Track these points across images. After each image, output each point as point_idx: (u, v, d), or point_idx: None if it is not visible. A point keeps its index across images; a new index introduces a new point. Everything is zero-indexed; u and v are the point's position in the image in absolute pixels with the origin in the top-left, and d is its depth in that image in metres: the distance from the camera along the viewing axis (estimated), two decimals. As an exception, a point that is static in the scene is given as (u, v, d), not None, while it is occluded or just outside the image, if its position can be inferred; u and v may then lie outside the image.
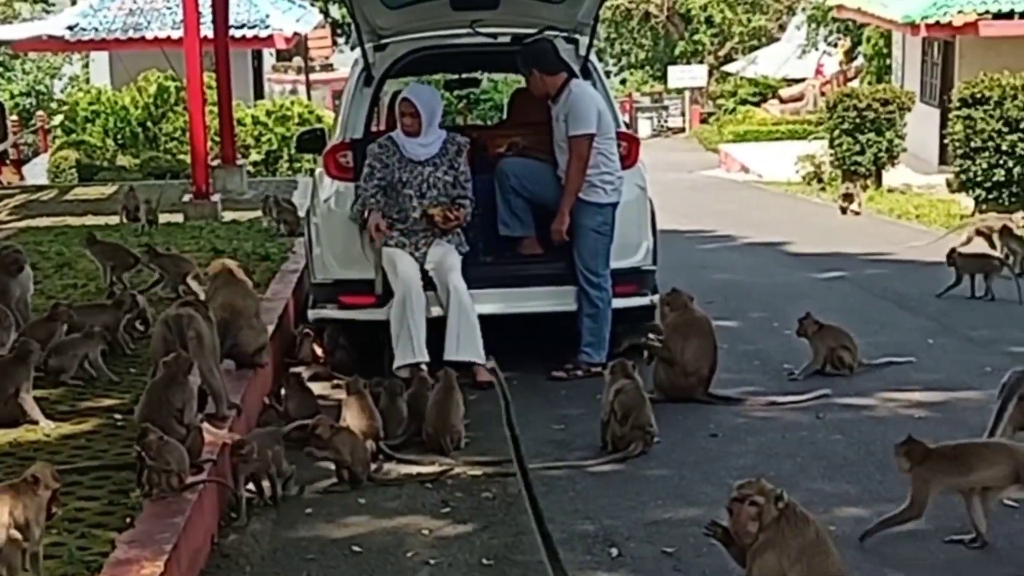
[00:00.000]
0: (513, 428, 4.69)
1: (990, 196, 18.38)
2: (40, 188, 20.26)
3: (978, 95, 18.38)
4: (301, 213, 11.66)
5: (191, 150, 15.54)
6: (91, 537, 4.86)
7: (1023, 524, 5.57)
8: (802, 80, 41.28)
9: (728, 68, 46.18)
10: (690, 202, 21.32)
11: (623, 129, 8.83)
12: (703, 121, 43.59)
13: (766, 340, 9.42)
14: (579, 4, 8.88)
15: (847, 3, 28.55)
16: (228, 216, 14.61)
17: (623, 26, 49.16)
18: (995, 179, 18.25)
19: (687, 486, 6.25)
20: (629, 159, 8.62)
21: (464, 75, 12.93)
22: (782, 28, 46.92)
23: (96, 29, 26.58)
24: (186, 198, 15.01)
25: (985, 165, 18.31)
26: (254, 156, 23.92)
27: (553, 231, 8.41)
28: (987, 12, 23.31)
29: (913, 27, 24.11)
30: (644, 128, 42.64)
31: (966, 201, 19.12)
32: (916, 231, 16.88)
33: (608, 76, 40.34)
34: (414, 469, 6.53)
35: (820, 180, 24.03)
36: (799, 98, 40.02)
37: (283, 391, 7.27)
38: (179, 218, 14.32)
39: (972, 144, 18.41)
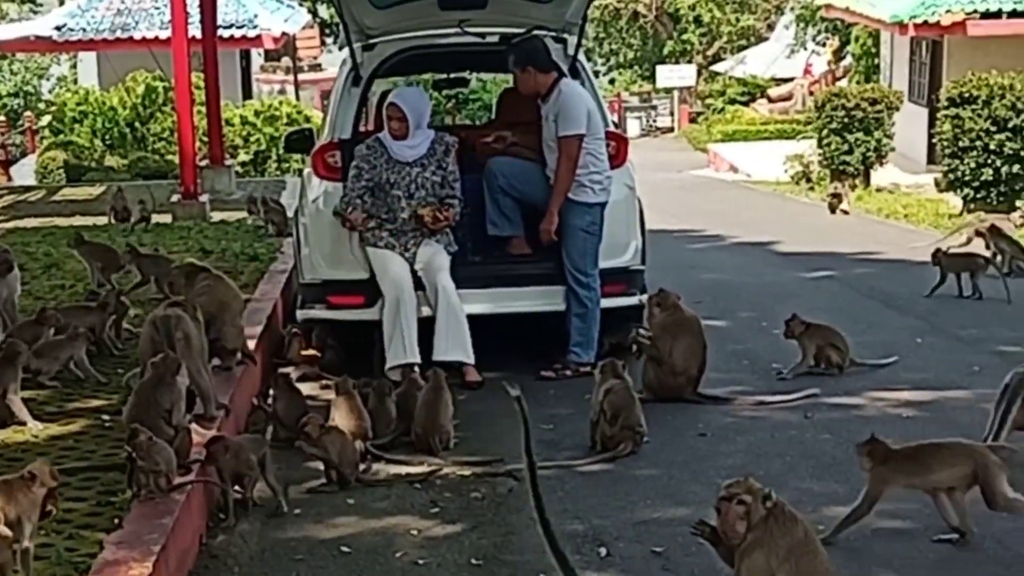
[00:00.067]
0: (531, 455, 4.74)
1: (978, 196, 18.42)
2: (28, 189, 20.23)
3: (966, 94, 18.41)
4: (289, 213, 11.66)
5: (179, 150, 15.52)
6: (79, 538, 4.86)
7: (1010, 523, 5.56)
8: (790, 80, 41.33)
9: (717, 68, 46.22)
10: (679, 202, 21.33)
11: (612, 129, 8.83)
12: (692, 121, 43.63)
13: (755, 340, 9.42)
14: (567, 4, 8.88)
15: (835, 3, 28.57)
16: (216, 216, 14.59)
17: (612, 26, 49.18)
18: (983, 178, 18.28)
19: (676, 486, 6.25)
20: (618, 159, 8.63)
21: (452, 75, 12.92)
22: (770, 28, 46.97)
23: (84, 29, 26.51)
24: (174, 198, 14.99)
25: (973, 164, 18.34)
26: (242, 156, 23.88)
27: (542, 231, 8.40)
28: (975, 11, 23.35)
29: (901, 26, 24.14)
30: (633, 128, 42.65)
31: (954, 200, 19.16)
32: (907, 231, 16.92)
33: (597, 76, 40.43)
34: (403, 469, 6.52)
35: (808, 180, 24.05)
36: (787, 98, 40.07)
37: (272, 392, 7.26)
38: (167, 218, 14.30)
39: (960, 143, 18.44)
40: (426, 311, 8.14)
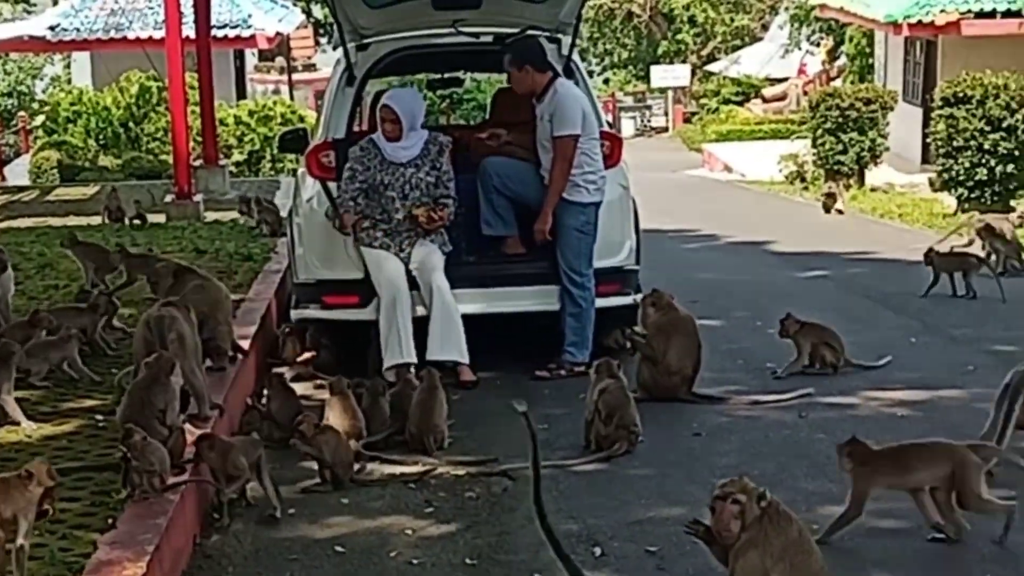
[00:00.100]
0: (537, 471, 4.78)
1: (972, 195, 18.43)
2: (22, 189, 20.22)
3: (960, 94, 18.43)
4: (284, 213, 11.65)
5: (173, 150, 15.53)
6: (73, 538, 4.85)
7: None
8: (785, 79, 41.34)
9: (711, 68, 46.22)
10: (673, 201, 21.34)
11: (606, 129, 8.83)
12: (686, 121, 43.64)
13: (749, 339, 9.43)
14: (561, 3, 8.89)
15: (830, 2, 28.59)
16: (210, 216, 14.59)
17: (606, 26, 49.19)
18: (977, 178, 18.30)
19: (670, 485, 6.25)
20: (612, 159, 8.63)
21: (446, 75, 12.92)
22: (765, 28, 46.97)
23: (77, 29, 26.47)
24: (168, 198, 14.98)
25: (967, 164, 18.36)
26: (236, 156, 23.87)
27: (536, 231, 8.40)
28: (969, 11, 23.36)
29: (895, 26, 24.16)
30: (627, 128, 42.65)
31: (948, 200, 19.17)
32: (901, 231, 16.93)
33: (591, 76, 40.35)
34: (397, 469, 6.52)
35: (803, 179, 24.06)
36: (782, 97, 40.09)
37: (266, 391, 7.25)
38: (161, 218, 14.30)
39: (954, 143, 18.46)
40: (420, 311, 8.14)
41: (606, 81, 50.89)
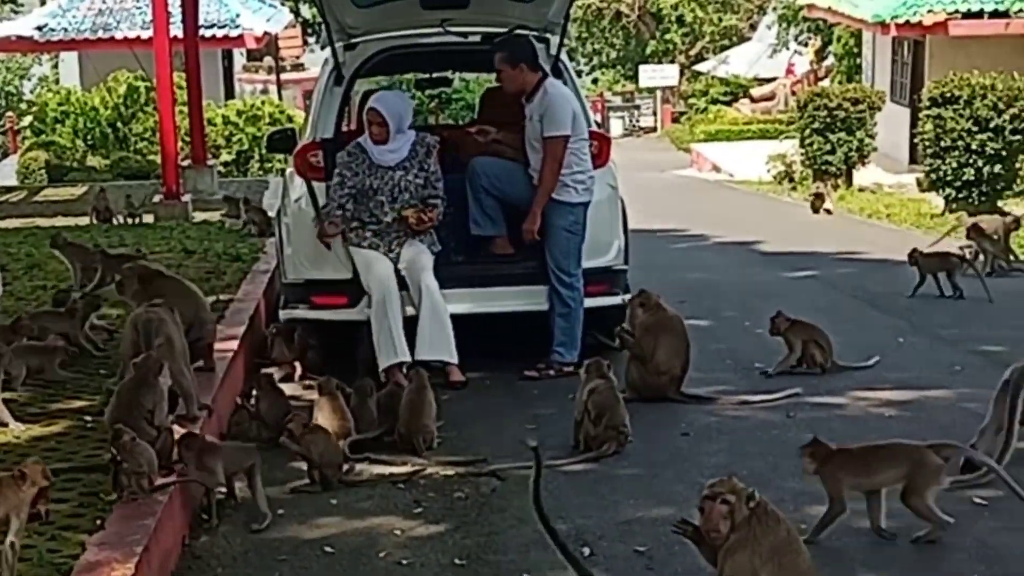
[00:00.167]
0: (539, 498, 4.82)
1: (960, 195, 18.47)
2: (9, 189, 20.19)
3: (948, 94, 18.47)
4: (271, 213, 11.64)
5: (161, 150, 15.52)
6: (61, 539, 4.85)
7: (992, 522, 5.59)
8: (773, 79, 41.41)
9: (699, 67, 46.28)
10: (662, 201, 21.36)
11: (594, 128, 8.84)
12: (675, 120, 43.69)
13: (738, 339, 9.44)
14: (549, 3, 8.89)
15: (818, 2, 28.64)
16: (199, 217, 14.58)
17: (594, 25, 49.23)
18: (965, 178, 18.34)
19: (659, 485, 6.25)
20: (600, 158, 8.63)
21: (435, 74, 12.92)
22: (753, 27, 47.04)
23: (65, 29, 26.43)
24: (156, 199, 14.97)
25: (955, 164, 18.39)
26: (225, 156, 23.87)
27: (525, 231, 8.40)
28: (957, 12, 23.44)
29: (883, 26, 24.22)
30: (616, 127, 42.71)
31: (936, 200, 19.22)
32: (889, 231, 16.96)
33: (580, 75, 40.44)
34: (386, 469, 6.51)
35: (791, 179, 24.11)
36: (770, 97, 40.15)
37: (254, 392, 7.24)
38: (149, 218, 14.28)
39: (942, 143, 18.49)
40: (410, 311, 8.13)
41: (594, 81, 50.96)
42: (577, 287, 8.38)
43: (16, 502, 4.36)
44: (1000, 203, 17.83)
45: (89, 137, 24.16)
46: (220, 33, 26.02)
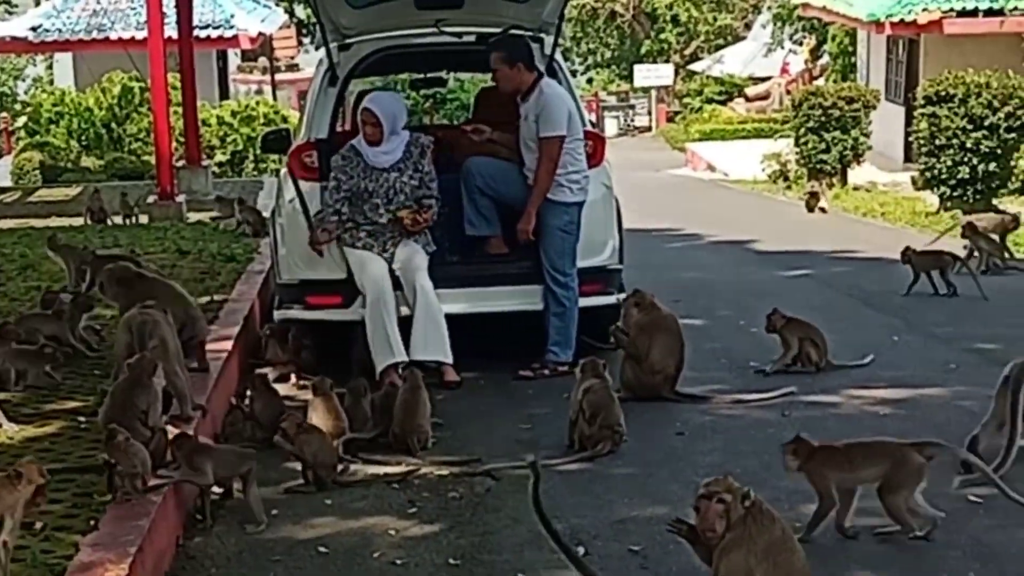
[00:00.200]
0: (539, 498, 4.85)
1: (955, 193, 18.50)
2: (4, 190, 20.18)
3: (942, 93, 18.50)
4: (266, 214, 11.63)
5: (156, 151, 15.50)
6: (55, 540, 4.84)
7: (987, 520, 5.59)
8: (768, 79, 41.43)
9: (694, 67, 46.31)
10: (657, 201, 21.37)
11: (589, 128, 8.84)
12: (669, 120, 43.71)
13: (733, 338, 9.44)
14: (544, 3, 8.88)
15: (812, 1, 28.66)
16: (193, 217, 14.57)
17: (589, 25, 49.24)
18: (959, 176, 18.37)
19: (654, 484, 6.25)
20: (595, 158, 8.63)
21: (429, 74, 12.91)
22: (748, 27, 47.07)
23: (60, 30, 26.41)
24: (151, 199, 14.95)
25: (950, 162, 18.42)
26: (219, 157, 23.84)
27: (519, 231, 8.40)
28: (951, 10, 23.46)
29: (878, 25, 24.23)
30: (610, 127, 42.73)
31: (931, 198, 19.24)
32: (884, 229, 16.97)
33: (574, 75, 40.41)
34: (381, 469, 6.51)
35: (786, 178, 24.13)
36: (765, 96, 40.16)
37: (249, 392, 7.23)
38: (143, 219, 14.27)
39: (937, 142, 18.52)
40: (404, 311, 8.13)
41: (589, 81, 50.97)
42: (572, 287, 8.38)
43: (10, 502, 4.35)
44: (995, 201, 17.85)
45: (83, 138, 24.15)
46: (215, 34, 26.01)
